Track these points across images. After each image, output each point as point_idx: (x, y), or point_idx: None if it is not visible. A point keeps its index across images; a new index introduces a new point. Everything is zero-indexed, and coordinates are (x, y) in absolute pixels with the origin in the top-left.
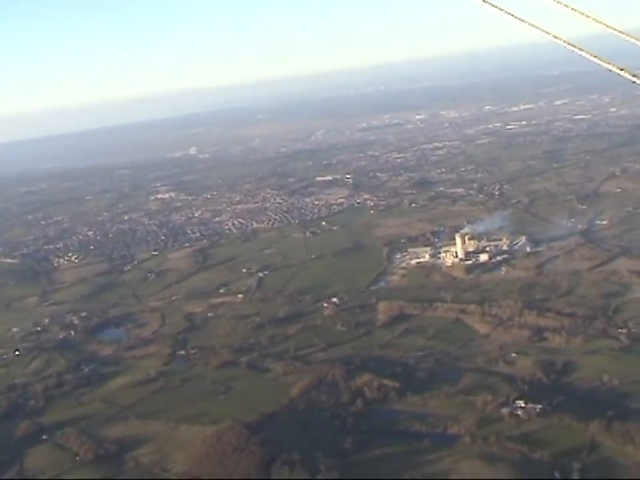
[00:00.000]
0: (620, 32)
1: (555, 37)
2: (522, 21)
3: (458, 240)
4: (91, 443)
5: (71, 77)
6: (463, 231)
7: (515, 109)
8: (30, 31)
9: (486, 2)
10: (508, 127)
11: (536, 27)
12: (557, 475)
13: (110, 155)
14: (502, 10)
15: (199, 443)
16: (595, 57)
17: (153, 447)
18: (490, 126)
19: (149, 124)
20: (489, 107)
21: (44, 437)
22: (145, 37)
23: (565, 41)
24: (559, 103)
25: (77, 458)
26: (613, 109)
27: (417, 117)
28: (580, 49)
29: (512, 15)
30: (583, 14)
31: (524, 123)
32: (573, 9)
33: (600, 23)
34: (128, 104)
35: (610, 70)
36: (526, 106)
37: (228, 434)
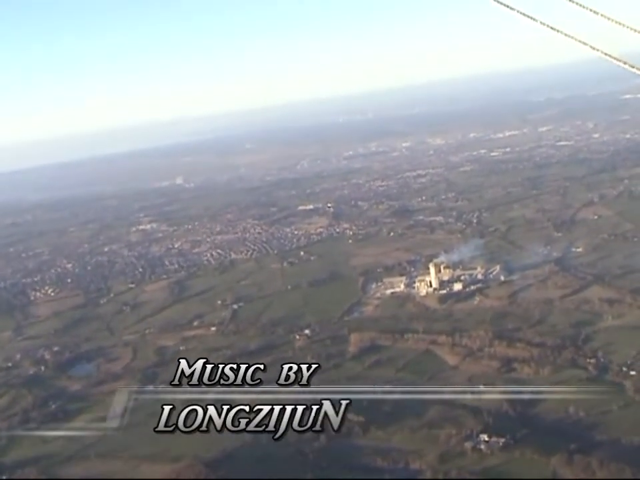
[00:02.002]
0: None
1: (604, 53)
2: (568, 36)
3: (432, 269)
4: None
5: (59, 107)
6: (437, 260)
7: (500, 135)
8: (19, 60)
9: (533, 20)
10: (492, 153)
11: (584, 43)
12: None
13: (97, 185)
14: (549, 26)
15: None
16: None
17: None
18: (474, 153)
19: (138, 153)
20: (474, 133)
21: (3, 477)
22: (132, 67)
23: (613, 57)
24: (543, 129)
25: None
26: (596, 135)
27: (403, 144)
28: (631, 65)
29: (558, 31)
30: (632, 29)
31: (508, 149)
32: (621, 23)
33: None
34: (117, 133)
35: None
36: (511, 132)
37: (186, 472)
